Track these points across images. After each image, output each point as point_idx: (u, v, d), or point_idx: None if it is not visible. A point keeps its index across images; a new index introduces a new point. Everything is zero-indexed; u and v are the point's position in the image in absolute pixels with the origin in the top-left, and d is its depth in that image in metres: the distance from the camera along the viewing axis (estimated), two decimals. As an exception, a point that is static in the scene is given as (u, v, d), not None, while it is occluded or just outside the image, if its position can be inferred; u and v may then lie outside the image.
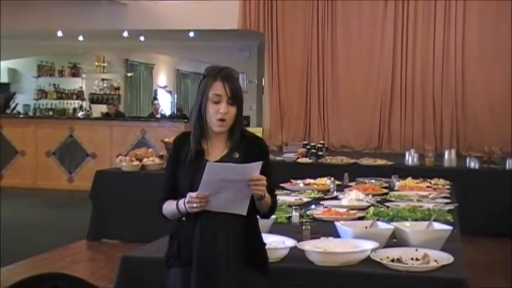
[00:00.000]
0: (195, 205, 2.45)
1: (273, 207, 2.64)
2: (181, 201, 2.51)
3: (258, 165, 2.42)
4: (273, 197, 2.62)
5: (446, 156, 8.04)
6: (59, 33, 12.90)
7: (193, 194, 2.44)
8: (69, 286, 0.92)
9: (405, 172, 6.33)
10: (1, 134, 11.04)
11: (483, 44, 10.39)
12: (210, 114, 2.55)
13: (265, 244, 2.68)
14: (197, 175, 2.47)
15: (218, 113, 2.53)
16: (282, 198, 4.45)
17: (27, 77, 15.78)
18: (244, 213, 2.49)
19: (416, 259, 2.84)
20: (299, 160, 8.32)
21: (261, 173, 2.43)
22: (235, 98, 2.55)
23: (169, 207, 2.58)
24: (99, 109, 14.61)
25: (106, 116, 12.26)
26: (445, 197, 4.90)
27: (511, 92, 10.12)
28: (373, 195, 4.79)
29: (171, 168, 2.65)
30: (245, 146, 2.59)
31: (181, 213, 2.54)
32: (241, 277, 2.49)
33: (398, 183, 5.51)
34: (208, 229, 2.50)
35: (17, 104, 13.98)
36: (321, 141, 9.27)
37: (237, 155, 2.56)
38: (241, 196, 2.46)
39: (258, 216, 2.65)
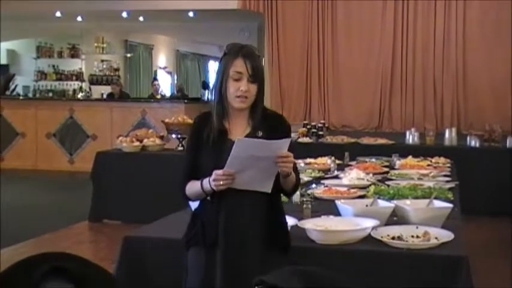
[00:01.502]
0: (221, 182, 2.42)
1: (297, 185, 2.64)
2: (205, 180, 2.48)
3: (287, 142, 2.41)
4: (297, 174, 2.61)
5: (446, 134, 8.04)
6: (58, 14, 12.83)
7: (219, 172, 2.41)
8: (71, 266, 0.92)
9: (406, 151, 6.33)
10: (1, 115, 11.03)
11: (484, 24, 10.33)
12: (230, 92, 2.52)
13: (287, 223, 2.68)
14: (221, 154, 2.46)
15: (239, 90, 2.51)
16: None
17: (26, 59, 15.73)
18: (269, 191, 2.48)
19: (417, 237, 2.85)
20: (300, 140, 8.32)
21: (288, 150, 2.42)
22: (256, 75, 2.52)
23: (193, 187, 2.56)
24: (99, 90, 14.58)
25: (110, 96, 12.21)
26: (445, 175, 4.91)
27: (512, 71, 10.10)
28: (374, 174, 4.79)
29: (193, 149, 2.62)
30: (268, 124, 2.57)
31: (206, 193, 2.51)
32: (266, 255, 2.48)
33: (399, 162, 5.52)
34: (234, 208, 2.48)
35: (16, 86, 13.95)
36: (322, 121, 9.27)
37: (260, 134, 2.54)
38: (267, 174, 2.45)
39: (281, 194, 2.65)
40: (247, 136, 2.54)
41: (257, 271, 2.38)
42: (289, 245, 2.63)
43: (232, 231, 2.47)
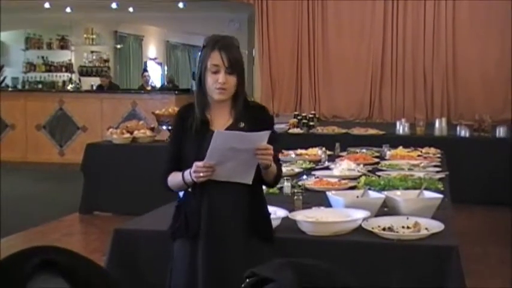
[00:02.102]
0: (201, 174, 2.44)
1: (278, 176, 2.64)
2: (186, 172, 2.50)
3: (266, 134, 2.42)
4: (279, 166, 2.62)
5: (437, 125, 8.06)
6: (46, 5, 12.75)
7: (199, 164, 2.43)
8: (62, 259, 0.92)
9: (396, 141, 6.35)
10: (-10, 107, 10.97)
11: (474, 13, 10.35)
12: (209, 84, 2.54)
13: (270, 213, 2.69)
14: (203, 145, 2.47)
15: (217, 82, 2.52)
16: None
17: (15, 50, 15.62)
18: (250, 182, 2.50)
19: (408, 227, 2.86)
20: (290, 131, 8.32)
21: (268, 142, 2.43)
22: (234, 67, 2.53)
23: (174, 179, 2.57)
24: (89, 82, 14.51)
25: (99, 88, 12.15)
26: (435, 166, 4.93)
27: (503, 61, 10.13)
28: (365, 164, 4.81)
29: (176, 140, 2.63)
30: (250, 115, 2.58)
31: (187, 184, 2.52)
32: (248, 246, 2.50)
33: (389, 153, 5.53)
34: (216, 199, 2.50)
35: (5, 77, 13.86)
36: (312, 112, 9.26)
37: (242, 125, 2.55)
38: (247, 165, 2.46)
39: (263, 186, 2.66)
40: (229, 127, 2.56)
41: (239, 262, 2.40)
42: (272, 234, 2.64)
43: (214, 223, 2.49)
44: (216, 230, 2.49)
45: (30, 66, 15.39)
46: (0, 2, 11.72)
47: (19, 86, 14.42)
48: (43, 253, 0.92)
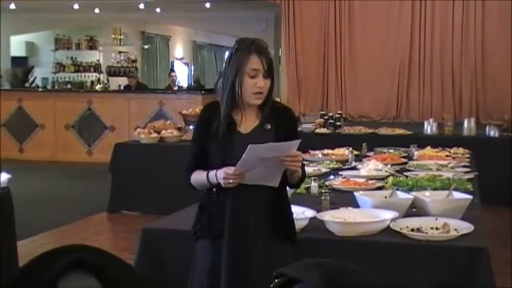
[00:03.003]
0: (231, 181, 2.43)
1: (303, 177, 2.65)
2: (212, 174, 2.49)
3: (297, 143, 2.44)
4: (303, 168, 2.62)
5: (465, 124, 7.97)
6: (75, 6, 12.88)
7: (229, 171, 2.42)
8: (92, 258, 0.93)
9: (424, 141, 6.28)
10: (21, 107, 11.12)
11: (503, 13, 10.21)
12: (246, 88, 2.52)
13: (293, 214, 2.69)
14: (230, 149, 2.48)
15: (255, 86, 2.51)
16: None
17: (44, 51, 15.83)
18: (277, 185, 2.51)
19: (436, 228, 2.83)
20: (317, 130, 8.29)
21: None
22: (271, 70, 2.54)
23: (198, 177, 2.57)
24: (117, 82, 14.63)
25: (127, 89, 12.24)
26: (464, 166, 4.87)
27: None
28: (392, 164, 4.77)
29: (200, 139, 2.63)
30: (275, 116, 2.58)
31: (212, 185, 2.53)
32: (271, 247, 2.50)
33: (417, 153, 5.47)
34: (240, 201, 2.50)
35: (35, 78, 14.04)
36: (339, 111, 9.22)
37: (268, 126, 2.56)
38: (276, 169, 2.48)
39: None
40: (256, 128, 2.56)
41: (263, 263, 2.40)
42: (295, 235, 2.63)
43: (238, 223, 2.49)
44: (239, 230, 2.49)
45: (60, 67, 15.58)
46: (27, 2, 11.87)
47: (49, 87, 14.60)
48: (74, 252, 0.93)
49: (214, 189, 2.55)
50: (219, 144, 2.54)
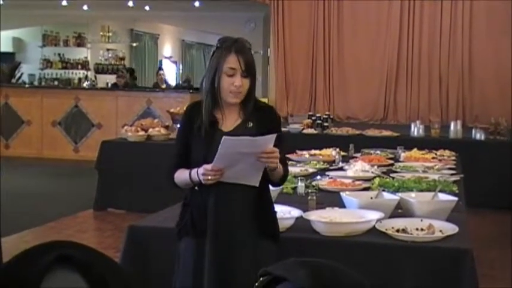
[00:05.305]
0: (209, 177, 2.44)
1: (285, 176, 2.65)
2: (194, 172, 2.51)
3: (272, 137, 2.43)
4: (285, 166, 2.63)
5: (452, 127, 8.01)
6: (64, 3, 12.83)
7: (208, 167, 2.44)
8: (77, 254, 0.93)
9: (411, 143, 6.32)
10: (7, 103, 11.05)
11: (491, 16, 10.28)
12: (224, 87, 2.53)
13: (276, 212, 2.70)
14: (212, 146, 2.48)
15: (233, 85, 2.52)
16: (287, 168, 4.45)
17: (32, 47, 15.72)
18: (257, 185, 2.51)
19: (422, 229, 2.85)
20: (304, 131, 8.31)
21: (274, 144, 2.43)
22: (249, 70, 2.54)
23: (181, 176, 2.58)
24: (104, 79, 14.57)
25: (114, 87, 12.17)
26: (450, 168, 4.90)
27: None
28: (379, 166, 4.79)
29: (183, 138, 2.64)
30: (258, 115, 2.59)
31: (194, 183, 2.54)
32: (254, 245, 2.51)
33: (403, 154, 5.51)
34: (222, 199, 2.51)
35: (22, 74, 13.95)
36: (327, 112, 9.25)
37: (250, 125, 2.57)
38: (255, 168, 2.48)
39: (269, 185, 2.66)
40: (237, 127, 2.57)
41: (246, 261, 2.41)
42: (279, 234, 2.64)
43: (221, 221, 2.50)
44: (222, 228, 2.50)
45: (47, 63, 15.48)
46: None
47: (35, 83, 14.50)
48: (59, 248, 0.93)
49: (196, 188, 2.56)
50: (201, 143, 2.55)
